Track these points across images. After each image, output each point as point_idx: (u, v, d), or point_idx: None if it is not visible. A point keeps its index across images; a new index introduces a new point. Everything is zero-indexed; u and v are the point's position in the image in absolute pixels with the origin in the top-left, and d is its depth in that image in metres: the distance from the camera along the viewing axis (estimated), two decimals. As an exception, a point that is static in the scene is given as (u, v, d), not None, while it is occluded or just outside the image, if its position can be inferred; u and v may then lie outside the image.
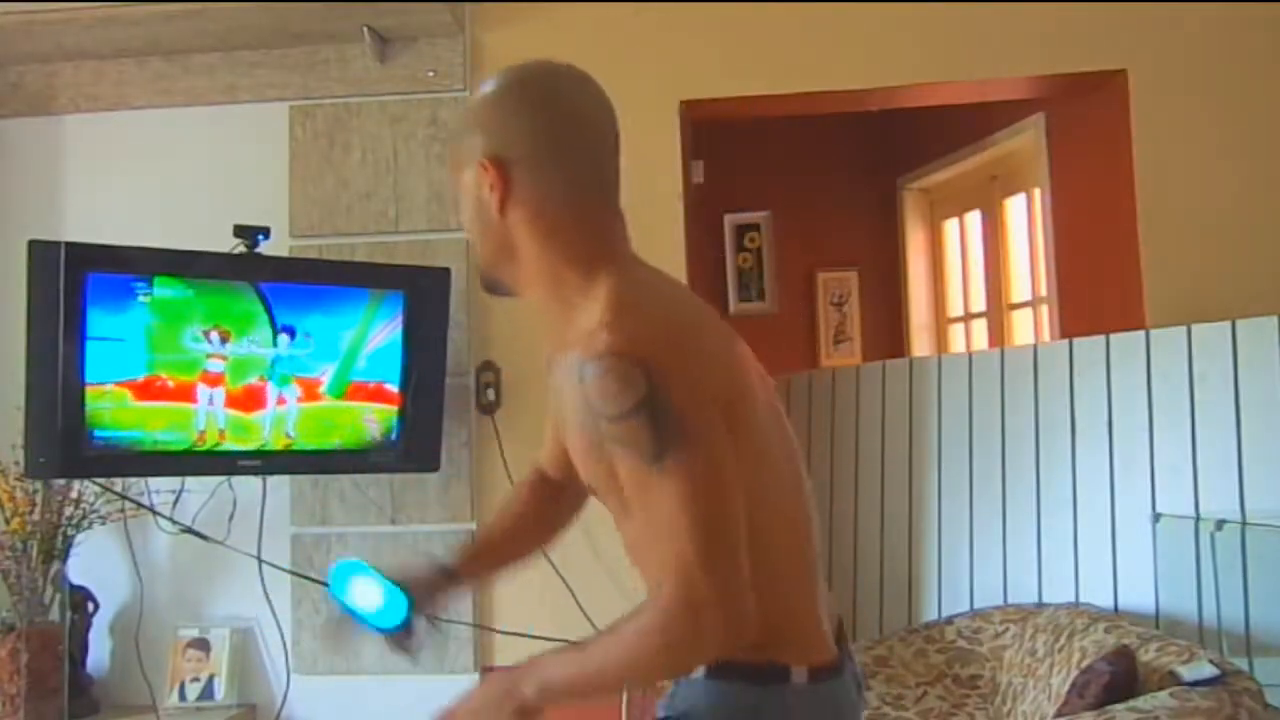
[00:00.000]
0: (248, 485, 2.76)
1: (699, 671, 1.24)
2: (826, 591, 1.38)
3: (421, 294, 2.75)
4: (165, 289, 2.51)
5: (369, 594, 1.47)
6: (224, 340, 2.55)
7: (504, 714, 1.22)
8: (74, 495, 2.76)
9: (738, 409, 1.23)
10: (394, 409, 2.75)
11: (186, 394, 2.53)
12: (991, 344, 4.20)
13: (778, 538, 1.28)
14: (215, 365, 2.55)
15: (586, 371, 1.17)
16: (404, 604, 1.46)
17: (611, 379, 1.15)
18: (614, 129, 1.35)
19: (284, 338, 2.62)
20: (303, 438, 2.66)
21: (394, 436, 2.75)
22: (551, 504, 1.59)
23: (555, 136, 1.30)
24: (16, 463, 2.61)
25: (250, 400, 2.60)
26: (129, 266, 2.48)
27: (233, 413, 2.59)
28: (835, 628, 1.36)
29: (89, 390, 2.42)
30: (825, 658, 1.29)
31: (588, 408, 1.19)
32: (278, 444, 2.64)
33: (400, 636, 1.48)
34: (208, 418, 2.55)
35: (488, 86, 1.35)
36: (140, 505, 2.78)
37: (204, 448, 2.56)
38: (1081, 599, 2.71)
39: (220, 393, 2.56)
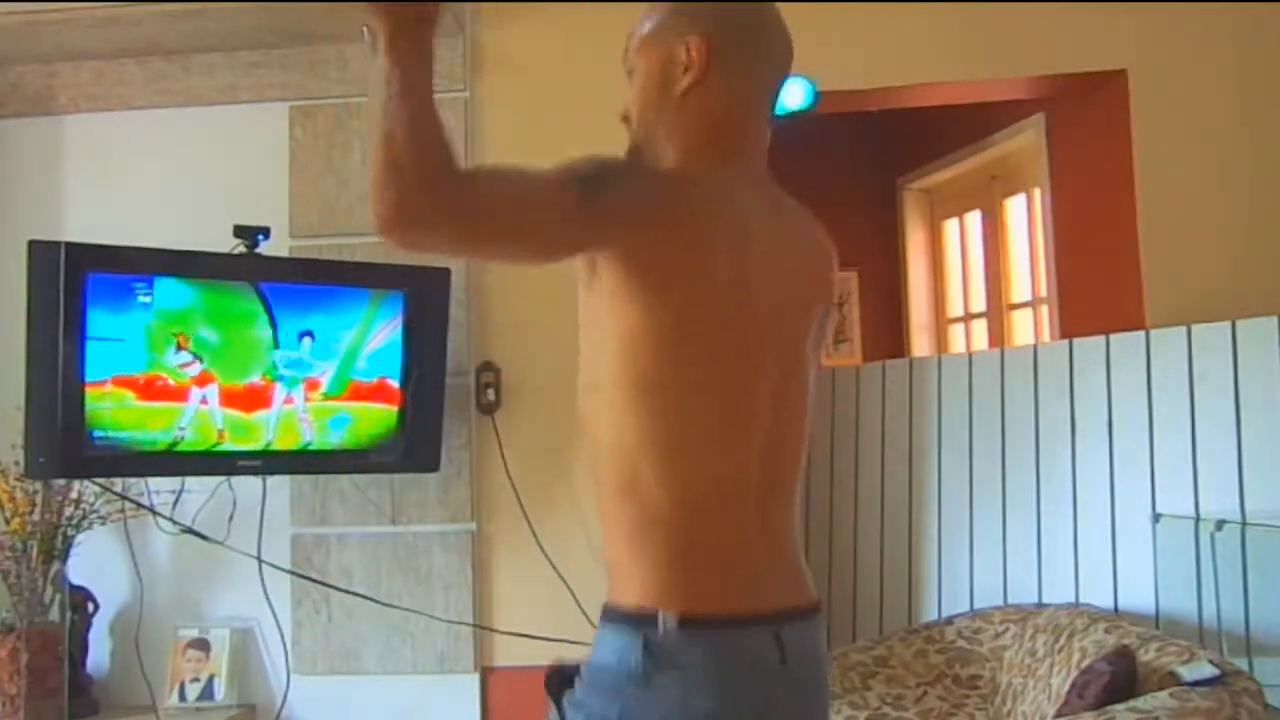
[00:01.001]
0: (248, 485, 2.76)
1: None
2: (786, 541, 1.29)
3: (421, 294, 2.75)
4: (165, 289, 2.51)
5: None
6: (183, 345, 2.53)
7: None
8: (74, 495, 2.76)
9: (690, 268, 1.22)
10: (394, 409, 2.75)
11: (184, 394, 2.53)
12: (991, 344, 4.20)
13: (700, 455, 1.22)
14: (193, 369, 2.54)
15: None
16: None
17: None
18: (790, 63, 1.41)
19: (289, 336, 2.62)
20: (307, 438, 2.66)
21: (394, 436, 2.75)
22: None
23: (759, 51, 1.36)
24: (16, 463, 2.61)
25: (250, 400, 2.60)
26: (129, 266, 2.47)
27: (232, 413, 2.59)
28: (787, 585, 1.28)
29: (89, 390, 2.42)
30: (714, 608, 1.19)
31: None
32: (284, 444, 2.64)
33: None
34: (196, 416, 2.55)
35: None
36: (140, 505, 2.78)
37: (192, 446, 2.55)
38: (1081, 599, 2.71)
39: (214, 391, 2.56)
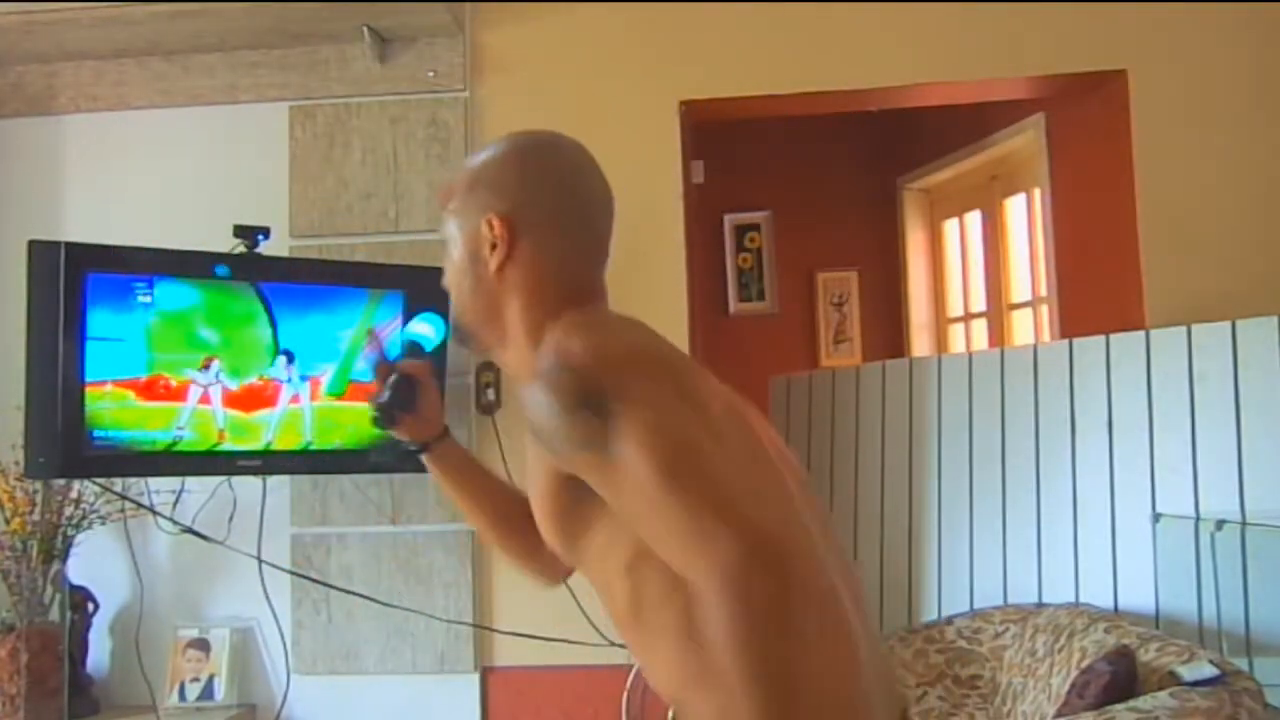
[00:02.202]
0: (248, 485, 2.76)
1: None
2: (884, 677, 1.24)
3: (421, 294, 2.74)
4: (165, 289, 2.51)
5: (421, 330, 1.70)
6: (206, 367, 2.54)
7: None
8: (74, 495, 2.76)
9: (720, 416, 1.15)
10: (394, 409, 2.74)
11: (185, 394, 2.53)
12: (991, 344, 4.20)
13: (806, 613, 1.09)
14: (203, 378, 2.55)
15: (526, 398, 1.14)
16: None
17: (543, 390, 1.11)
18: (611, 206, 1.36)
19: (289, 336, 2.62)
20: (307, 438, 2.66)
21: (394, 436, 2.74)
22: (525, 523, 1.43)
23: (566, 207, 1.31)
24: (16, 463, 2.61)
25: (251, 400, 2.60)
26: (129, 266, 2.47)
27: (233, 413, 2.59)
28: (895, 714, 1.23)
29: (89, 390, 2.42)
30: None
31: (534, 433, 1.15)
32: (284, 444, 2.64)
33: (402, 390, 1.58)
34: (196, 415, 2.54)
35: (499, 146, 1.35)
36: (140, 505, 2.78)
37: (193, 446, 2.55)
38: (1081, 599, 2.71)
39: (217, 390, 2.56)
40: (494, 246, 1.29)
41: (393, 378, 1.58)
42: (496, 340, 1.34)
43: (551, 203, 1.31)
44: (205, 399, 2.55)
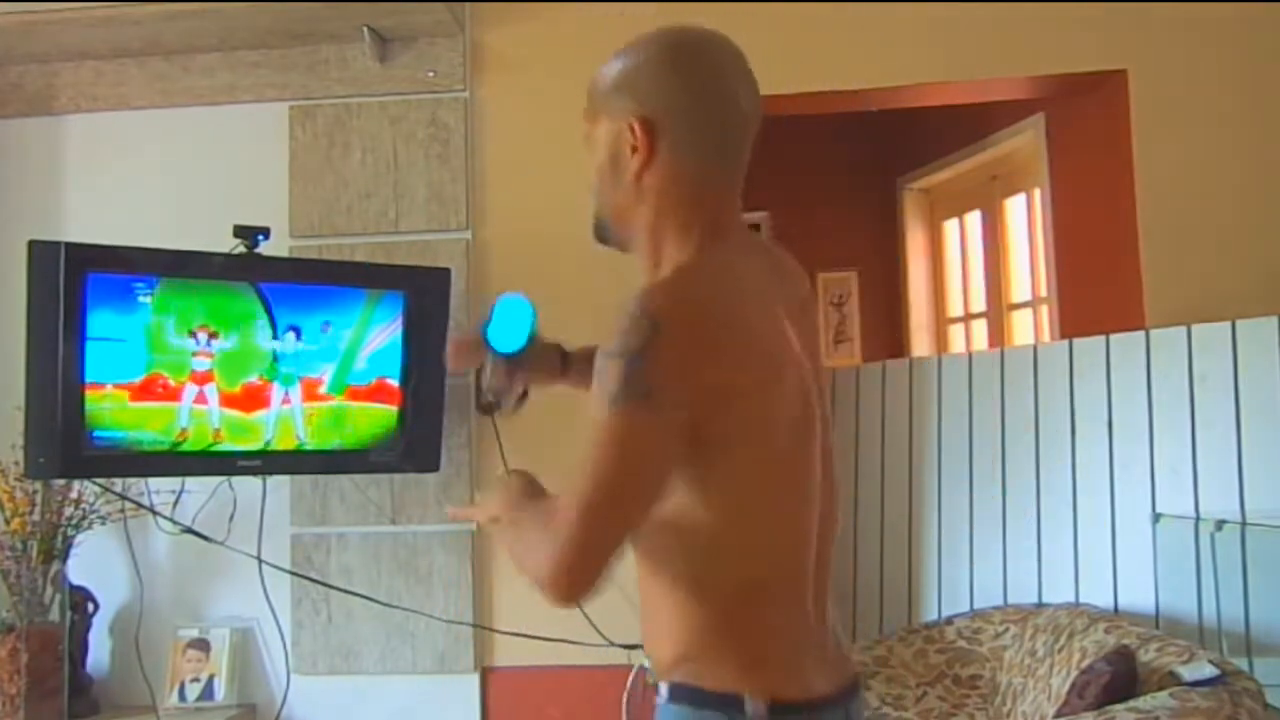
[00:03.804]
0: (248, 485, 2.76)
1: (664, 694, 1.25)
2: (829, 621, 1.33)
3: (421, 294, 2.75)
4: (165, 289, 2.51)
5: (512, 320, 1.64)
6: (211, 338, 2.55)
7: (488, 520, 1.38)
8: (74, 495, 2.76)
9: (746, 405, 1.21)
10: (394, 409, 2.75)
11: (180, 394, 2.53)
12: (991, 344, 4.20)
13: (768, 551, 1.25)
14: (202, 363, 2.55)
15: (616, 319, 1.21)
16: (525, 334, 1.63)
17: (623, 320, 1.17)
18: (758, 110, 1.35)
19: (290, 335, 2.62)
20: (307, 438, 2.66)
21: (394, 437, 2.75)
22: None
23: (706, 114, 1.31)
24: (16, 463, 2.61)
25: (250, 400, 2.60)
26: (129, 266, 2.47)
27: (231, 413, 2.59)
28: (839, 664, 1.31)
29: (89, 390, 2.42)
30: (795, 693, 1.24)
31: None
32: (284, 444, 2.64)
33: (504, 371, 1.64)
34: (193, 415, 2.55)
35: (647, 46, 1.35)
36: (140, 505, 2.78)
37: (190, 446, 2.55)
38: (1081, 599, 2.71)
39: (212, 390, 2.56)
40: (634, 150, 1.30)
41: (488, 367, 1.64)
42: (629, 241, 1.37)
43: (693, 111, 1.30)
44: (201, 399, 2.55)
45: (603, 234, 1.40)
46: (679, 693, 1.24)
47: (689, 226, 1.31)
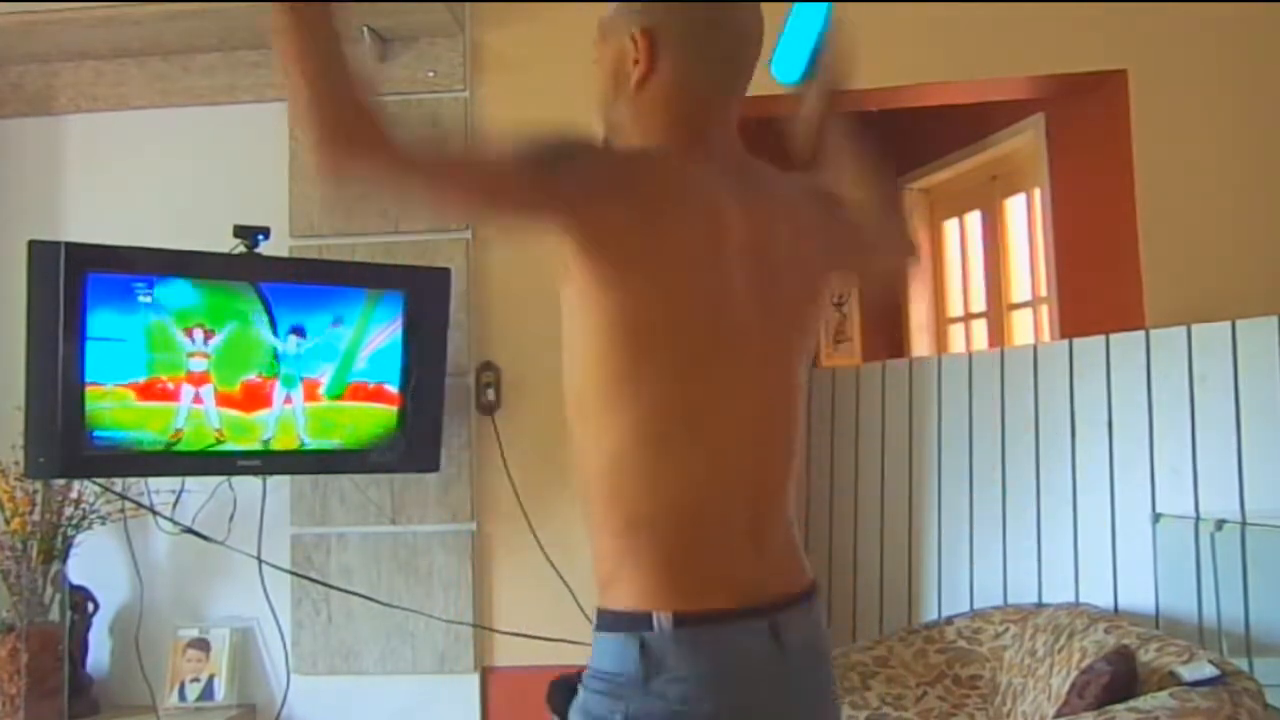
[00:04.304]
0: (248, 485, 2.76)
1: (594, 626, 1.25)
2: (782, 531, 1.29)
3: (421, 294, 2.75)
4: (165, 289, 2.51)
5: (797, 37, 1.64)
6: (208, 338, 2.55)
7: None
8: (74, 495, 2.76)
9: (657, 270, 1.22)
10: (394, 409, 2.75)
11: (177, 394, 2.53)
12: (991, 344, 4.20)
13: (684, 466, 1.23)
14: (199, 364, 2.55)
15: None
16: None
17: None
18: (759, 33, 1.38)
19: (291, 336, 2.62)
20: (307, 438, 2.66)
21: (394, 437, 2.75)
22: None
23: (707, 31, 1.33)
24: (16, 463, 2.61)
25: (250, 400, 2.60)
26: (129, 266, 2.47)
27: (231, 413, 2.59)
28: (781, 574, 1.28)
29: (89, 390, 2.42)
30: (708, 603, 1.20)
31: None
32: (284, 444, 2.64)
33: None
34: (190, 416, 2.54)
35: None
36: (140, 505, 2.78)
37: (190, 446, 2.55)
38: (1081, 599, 2.71)
39: (208, 390, 2.56)
40: (636, 62, 1.32)
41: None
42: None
43: (699, 26, 1.32)
44: (199, 399, 2.55)
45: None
46: (600, 620, 1.24)
47: (677, 132, 1.33)
